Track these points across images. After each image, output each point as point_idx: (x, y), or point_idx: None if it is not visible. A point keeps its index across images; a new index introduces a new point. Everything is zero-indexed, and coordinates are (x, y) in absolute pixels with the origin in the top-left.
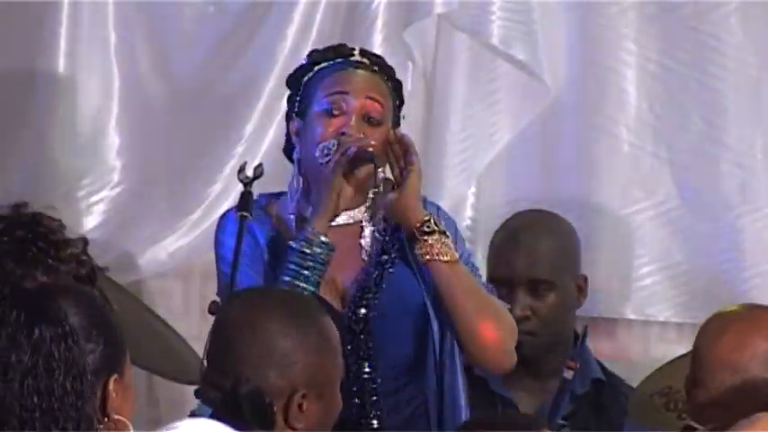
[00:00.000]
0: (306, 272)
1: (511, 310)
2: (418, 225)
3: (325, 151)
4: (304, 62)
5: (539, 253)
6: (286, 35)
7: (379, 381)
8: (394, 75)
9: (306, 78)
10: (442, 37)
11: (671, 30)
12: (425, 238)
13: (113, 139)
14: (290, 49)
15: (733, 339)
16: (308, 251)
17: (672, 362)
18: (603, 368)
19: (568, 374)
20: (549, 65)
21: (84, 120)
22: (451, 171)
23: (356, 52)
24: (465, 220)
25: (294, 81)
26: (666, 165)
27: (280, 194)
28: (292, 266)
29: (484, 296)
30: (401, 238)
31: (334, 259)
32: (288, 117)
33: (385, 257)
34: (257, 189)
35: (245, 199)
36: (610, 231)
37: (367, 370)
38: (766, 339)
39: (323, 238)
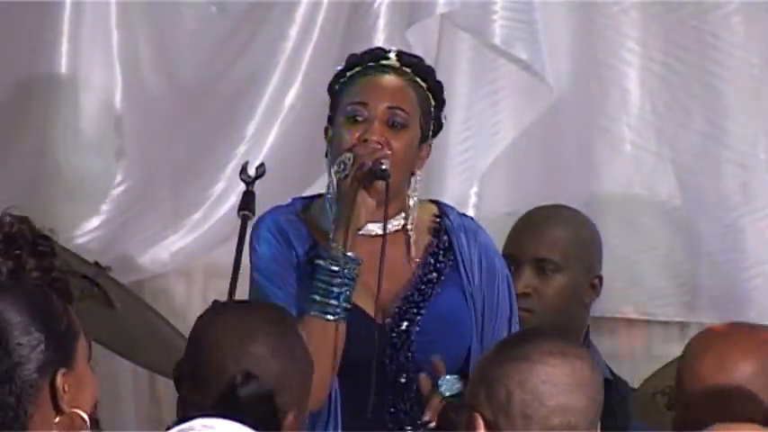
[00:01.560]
0: (335, 289)
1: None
2: None
3: (342, 167)
4: (339, 68)
5: (548, 235)
6: (288, 35)
7: (414, 390)
8: (430, 76)
9: (337, 86)
10: (444, 37)
11: (673, 29)
12: None
13: (115, 139)
14: (292, 49)
15: (714, 361)
16: (335, 269)
17: (674, 361)
18: (611, 370)
19: None
20: (552, 64)
21: (86, 119)
22: (454, 170)
23: (391, 54)
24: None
25: (329, 88)
26: (669, 164)
27: (315, 197)
28: (321, 285)
29: None
30: (454, 254)
31: (377, 268)
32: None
33: (435, 275)
34: (259, 189)
35: (248, 199)
36: (612, 231)
37: (403, 380)
38: (747, 362)
39: (349, 254)
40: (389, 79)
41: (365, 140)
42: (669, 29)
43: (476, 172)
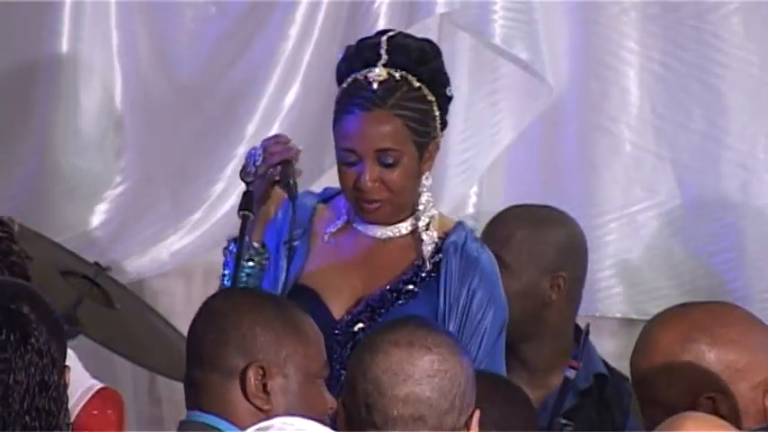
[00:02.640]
0: (243, 278)
1: None
2: None
3: (252, 162)
4: (339, 57)
5: (500, 233)
6: (288, 35)
7: None
8: (424, 68)
9: (336, 106)
10: (444, 37)
11: (673, 29)
12: None
13: (115, 139)
14: (292, 49)
15: (638, 346)
16: (243, 262)
17: None
18: (608, 366)
19: (571, 374)
20: (551, 64)
21: (86, 119)
22: (453, 171)
23: (382, 51)
24: (467, 219)
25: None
26: (668, 164)
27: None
28: (227, 271)
29: None
30: (439, 275)
31: (364, 269)
32: None
33: (409, 287)
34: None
35: (248, 198)
36: (611, 231)
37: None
38: (662, 344)
39: (254, 244)
40: (374, 119)
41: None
42: (669, 29)
43: (476, 172)
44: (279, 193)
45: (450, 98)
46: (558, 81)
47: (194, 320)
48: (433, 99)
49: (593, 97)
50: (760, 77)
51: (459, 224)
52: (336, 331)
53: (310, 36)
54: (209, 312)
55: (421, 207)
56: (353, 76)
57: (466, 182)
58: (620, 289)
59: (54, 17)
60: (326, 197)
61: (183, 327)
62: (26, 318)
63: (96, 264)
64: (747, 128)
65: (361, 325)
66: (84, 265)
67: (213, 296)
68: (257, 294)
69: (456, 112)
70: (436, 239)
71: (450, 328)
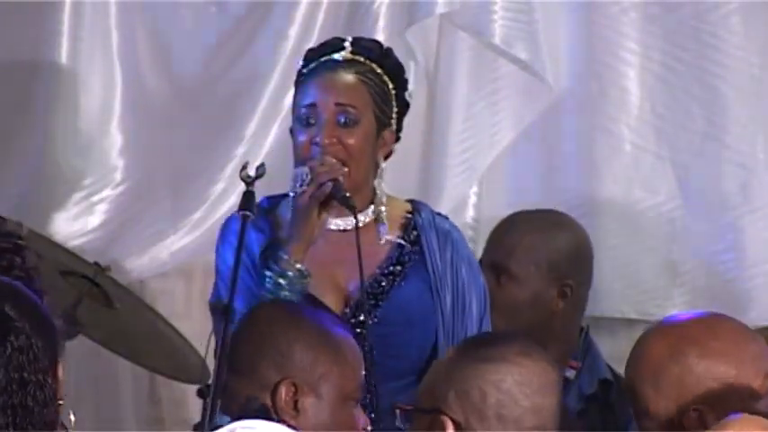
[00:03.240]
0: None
1: None
2: None
3: (299, 182)
4: (299, 65)
5: (506, 241)
6: (288, 35)
7: (374, 384)
8: (387, 59)
9: (296, 81)
10: (443, 37)
11: (672, 29)
12: None
13: (115, 139)
14: (292, 49)
15: (630, 358)
16: (282, 282)
17: None
18: (612, 370)
19: (570, 374)
20: (551, 64)
21: (85, 119)
22: (453, 171)
23: (346, 44)
24: (467, 219)
25: (294, 84)
26: (668, 164)
27: (282, 196)
28: (268, 295)
29: None
30: (421, 248)
31: (342, 262)
32: None
33: (398, 268)
34: (259, 189)
35: (247, 198)
36: (612, 230)
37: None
38: (653, 357)
39: (298, 266)
40: (338, 77)
41: (323, 155)
42: (669, 29)
43: (475, 172)
44: (323, 216)
45: (407, 105)
46: (558, 81)
47: (237, 330)
48: (393, 91)
49: (592, 97)
50: (760, 77)
51: (412, 202)
52: (350, 322)
53: (310, 36)
54: (252, 323)
55: (378, 193)
56: (318, 60)
57: (466, 182)
58: (620, 289)
59: (54, 17)
60: (271, 206)
61: (183, 327)
62: (5, 315)
63: (96, 264)
64: (747, 128)
65: (363, 315)
66: (83, 265)
67: (258, 306)
68: (301, 310)
69: (456, 112)
70: (400, 219)
71: (448, 301)
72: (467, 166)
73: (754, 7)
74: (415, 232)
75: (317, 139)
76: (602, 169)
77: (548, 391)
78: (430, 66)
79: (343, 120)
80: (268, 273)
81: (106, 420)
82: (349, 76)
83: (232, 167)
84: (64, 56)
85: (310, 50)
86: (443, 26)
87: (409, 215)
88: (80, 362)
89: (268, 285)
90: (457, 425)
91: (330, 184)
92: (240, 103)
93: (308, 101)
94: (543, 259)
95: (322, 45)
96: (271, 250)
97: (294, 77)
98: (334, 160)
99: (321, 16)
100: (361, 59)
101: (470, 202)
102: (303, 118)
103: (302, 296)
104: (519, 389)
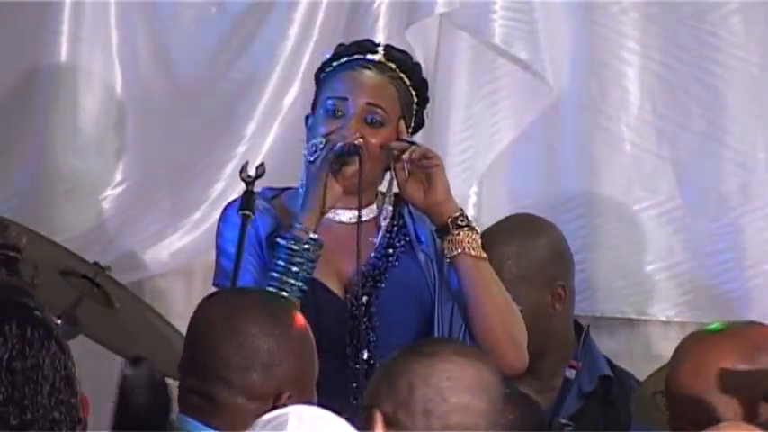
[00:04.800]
0: (294, 268)
1: None
2: (450, 219)
3: (313, 149)
4: (327, 57)
5: (498, 255)
6: (287, 35)
7: (377, 367)
8: (415, 73)
9: (322, 75)
10: (443, 36)
11: (672, 29)
12: (456, 231)
13: (115, 139)
14: (292, 49)
15: (691, 366)
16: (295, 248)
17: None
18: (612, 364)
19: (570, 373)
20: (551, 64)
21: (85, 119)
22: (453, 170)
23: (379, 49)
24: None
25: (315, 77)
26: (668, 164)
27: (287, 189)
28: (281, 263)
29: (505, 296)
30: (408, 234)
31: (347, 252)
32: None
33: (391, 251)
34: (259, 188)
35: (247, 198)
36: (612, 230)
37: (365, 356)
38: (724, 363)
39: (311, 235)
40: (371, 76)
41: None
42: (669, 29)
43: (475, 172)
44: (336, 187)
45: (422, 123)
46: (558, 81)
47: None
48: (415, 106)
49: (592, 97)
50: (760, 77)
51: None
52: (352, 307)
53: (310, 36)
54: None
55: (385, 197)
56: (350, 56)
57: (466, 182)
58: (620, 289)
59: (54, 17)
60: (272, 196)
61: (183, 327)
62: (42, 312)
63: (96, 264)
64: (747, 128)
65: (366, 297)
66: (83, 265)
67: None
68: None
69: (456, 111)
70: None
71: (436, 282)
72: (466, 166)
73: (754, 7)
74: (401, 219)
75: (341, 131)
76: (602, 169)
77: (479, 391)
78: (429, 66)
79: (370, 119)
80: (280, 240)
81: (105, 420)
82: (382, 79)
83: (232, 167)
84: (64, 56)
85: (341, 45)
86: (443, 26)
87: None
88: (80, 362)
89: (280, 254)
90: (387, 419)
91: (340, 144)
92: (240, 103)
93: (338, 94)
94: (530, 268)
95: (354, 43)
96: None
97: (294, 77)
98: (352, 131)
99: (321, 16)
100: (393, 66)
101: (470, 201)
102: (330, 109)
103: (310, 270)
104: (447, 385)
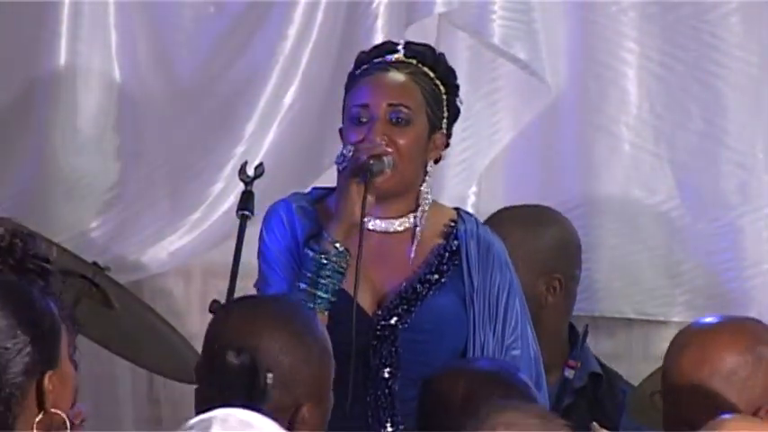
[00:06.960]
0: (322, 281)
1: None
2: None
3: (341, 158)
4: (352, 68)
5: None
6: (286, 35)
7: (396, 387)
8: (439, 64)
9: (347, 84)
10: (442, 36)
11: (671, 29)
12: None
13: (114, 139)
14: (291, 49)
15: (694, 355)
16: (324, 261)
17: None
18: (602, 364)
19: (569, 374)
20: (550, 64)
21: (84, 119)
22: (452, 170)
23: (399, 47)
24: None
25: (345, 87)
26: (667, 164)
27: (333, 188)
28: (309, 275)
29: None
30: (459, 263)
31: (381, 263)
32: None
33: (436, 277)
34: (258, 188)
35: (246, 198)
36: (610, 230)
37: (386, 375)
38: (728, 354)
39: (338, 247)
40: (391, 76)
41: (362, 141)
42: (667, 29)
43: (474, 172)
44: (369, 198)
45: (458, 111)
46: (557, 81)
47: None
48: (445, 96)
49: (592, 97)
50: (759, 77)
51: (460, 210)
52: (378, 327)
53: (309, 36)
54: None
55: (422, 200)
56: (370, 62)
57: (465, 182)
58: (620, 289)
59: (53, 17)
60: (318, 198)
61: (183, 327)
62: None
63: (95, 264)
64: (746, 128)
65: (395, 319)
66: (82, 265)
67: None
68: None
69: None
70: (443, 227)
71: (476, 311)
72: (466, 166)
73: (754, 7)
74: (456, 242)
75: (369, 138)
76: (601, 169)
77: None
78: None
79: (395, 118)
80: (309, 252)
81: (105, 420)
82: (401, 77)
83: (231, 167)
84: (63, 56)
85: (362, 53)
86: (442, 26)
87: (453, 224)
88: (79, 362)
89: (308, 266)
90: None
91: (364, 157)
92: (239, 103)
93: (360, 101)
94: (530, 254)
95: (374, 48)
96: (316, 237)
97: (293, 77)
98: (380, 140)
99: (320, 16)
100: (414, 62)
101: (469, 201)
102: (355, 117)
103: (338, 282)
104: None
